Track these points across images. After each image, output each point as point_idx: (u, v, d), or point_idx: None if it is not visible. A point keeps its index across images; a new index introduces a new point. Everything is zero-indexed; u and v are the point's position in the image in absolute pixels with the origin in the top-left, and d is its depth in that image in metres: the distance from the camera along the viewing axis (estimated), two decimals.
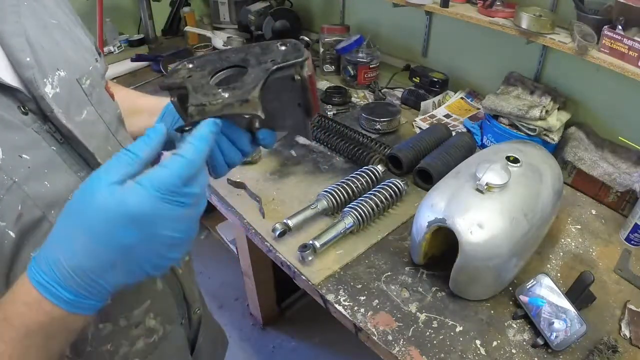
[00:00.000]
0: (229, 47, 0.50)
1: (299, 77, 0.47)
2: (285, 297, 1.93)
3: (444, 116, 1.52)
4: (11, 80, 0.46)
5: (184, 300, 0.72)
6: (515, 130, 1.29)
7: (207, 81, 0.47)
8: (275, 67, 0.46)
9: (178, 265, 0.70)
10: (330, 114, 1.55)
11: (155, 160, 0.43)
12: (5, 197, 0.43)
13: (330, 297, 0.91)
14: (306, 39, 1.81)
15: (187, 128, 0.44)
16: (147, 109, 0.72)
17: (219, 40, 1.89)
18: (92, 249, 0.37)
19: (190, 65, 0.49)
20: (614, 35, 1.04)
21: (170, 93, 0.49)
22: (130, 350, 0.61)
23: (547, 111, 1.23)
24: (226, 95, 0.45)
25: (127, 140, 0.64)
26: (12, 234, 0.45)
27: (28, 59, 0.47)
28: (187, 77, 0.47)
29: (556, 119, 1.26)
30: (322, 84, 1.74)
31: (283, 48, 0.48)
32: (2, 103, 0.45)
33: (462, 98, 1.58)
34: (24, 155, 0.45)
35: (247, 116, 0.45)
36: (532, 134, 1.26)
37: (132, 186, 0.38)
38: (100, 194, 0.37)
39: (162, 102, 0.70)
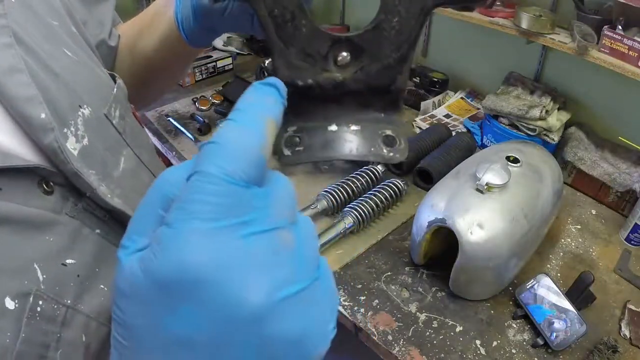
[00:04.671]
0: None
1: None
2: None
3: (444, 116, 1.52)
4: (19, 145, 0.30)
5: None
6: (515, 130, 1.29)
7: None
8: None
9: None
10: None
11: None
12: (63, 335, 0.29)
13: None
14: None
15: None
16: (159, 8, 0.53)
17: (218, 39, 1.88)
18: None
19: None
20: (614, 35, 1.04)
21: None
22: None
23: (547, 111, 1.23)
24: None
25: None
26: None
27: (43, 116, 0.30)
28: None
29: (556, 119, 1.26)
30: None
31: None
32: (17, 191, 0.29)
33: (462, 98, 1.58)
34: (68, 261, 0.31)
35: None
36: (532, 134, 1.26)
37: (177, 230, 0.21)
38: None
39: None
